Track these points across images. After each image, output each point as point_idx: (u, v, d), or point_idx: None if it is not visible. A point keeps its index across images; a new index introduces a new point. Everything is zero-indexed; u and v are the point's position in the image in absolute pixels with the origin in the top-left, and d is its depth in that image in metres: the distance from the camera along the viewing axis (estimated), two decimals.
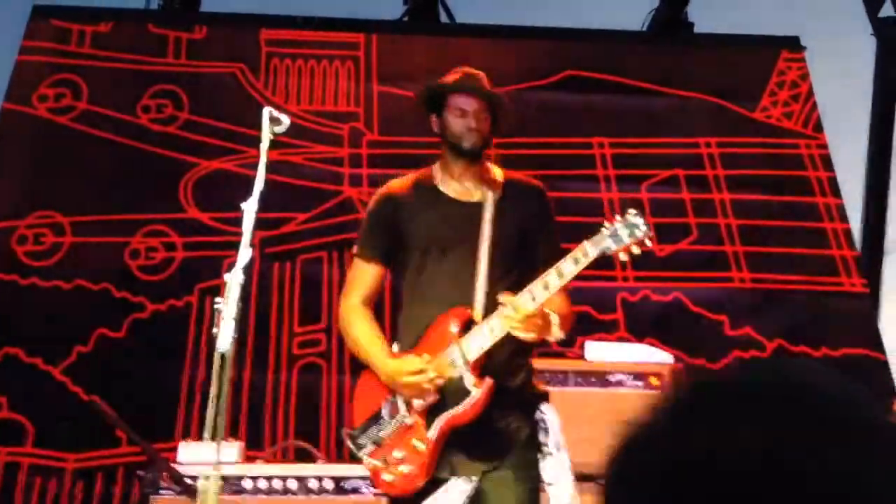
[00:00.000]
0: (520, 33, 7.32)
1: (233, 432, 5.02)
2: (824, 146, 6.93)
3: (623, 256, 2.38)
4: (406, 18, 7.45)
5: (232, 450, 4.05)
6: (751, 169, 6.75)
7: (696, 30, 7.61)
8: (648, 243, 2.35)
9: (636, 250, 2.37)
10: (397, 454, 2.63)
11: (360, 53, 7.02)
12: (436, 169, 2.90)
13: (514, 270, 2.68)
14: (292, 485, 3.87)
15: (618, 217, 2.38)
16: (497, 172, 2.88)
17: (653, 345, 5.29)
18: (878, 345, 6.11)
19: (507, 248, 2.73)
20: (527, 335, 2.48)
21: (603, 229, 2.40)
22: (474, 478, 2.60)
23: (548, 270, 2.46)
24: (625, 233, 2.37)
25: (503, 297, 2.49)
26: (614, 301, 6.14)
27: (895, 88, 7.30)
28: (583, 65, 7.09)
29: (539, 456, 2.67)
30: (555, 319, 2.49)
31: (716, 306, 6.17)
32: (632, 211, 2.40)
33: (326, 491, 3.87)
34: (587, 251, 2.41)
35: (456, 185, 2.83)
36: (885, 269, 7.12)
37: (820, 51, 7.40)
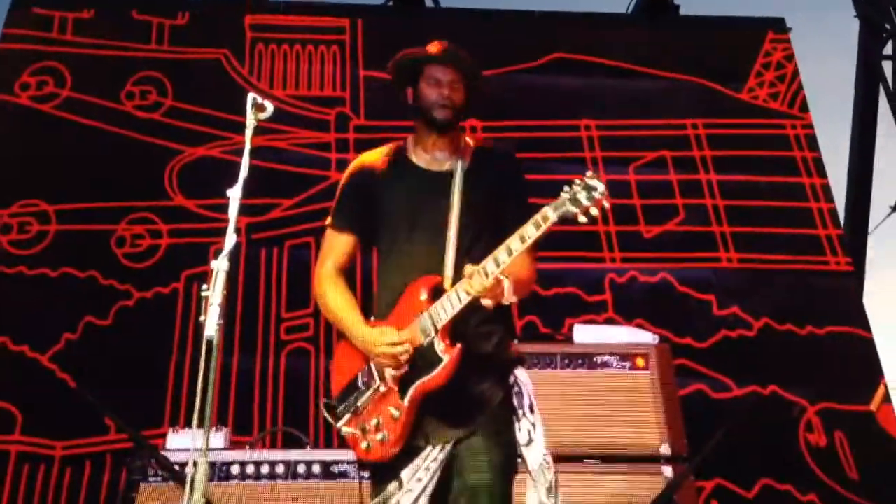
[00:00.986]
0: (506, 17, 7.31)
1: (221, 419, 5.04)
2: (810, 126, 6.97)
3: (582, 218, 2.39)
4: (391, 3, 7.43)
5: (220, 436, 4.07)
6: (737, 150, 6.78)
7: (682, 12, 7.62)
8: (606, 204, 2.38)
9: (594, 212, 2.39)
10: (373, 422, 2.65)
11: (345, 38, 7.00)
12: (409, 140, 2.94)
13: (486, 236, 2.68)
14: (280, 470, 3.89)
15: (576, 180, 2.40)
16: (468, 141, 2.89)
17: (641, 325, 5.33)
18: (863, 322, 6.16)
19: (477, 215, 2.74)
20: (486, 301, 2.50)
21: (563, 193, 2.42)
22: (448, 445, 2.61)
23: (511, 236, 2.47)
24: (583, 195, 2.39)
25: (467, 269, 2.51)
26: (602, 282, 6.16)
27: (878, 69, 7.33)
28: (569, 48, 7.09)
29: (514, 419, 2.69)
30: (506, 285, 2.50)
31: (703, 286, 6.20)
32: (589, 173, 2.41)
33: (315, 476, 3.89)
34: (548, 215, 2.43)
35: (427, 156, 2.86)
36: (869, 248, 7.18)
37: (805, 32, 7.43)
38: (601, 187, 2.38)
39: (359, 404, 2.70)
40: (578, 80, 6.98)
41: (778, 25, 7.49)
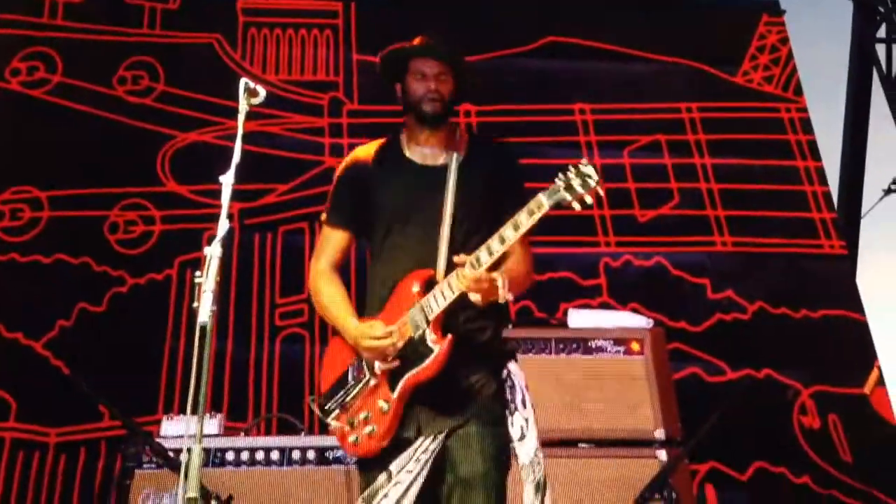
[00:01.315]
0: (500, 0, 7.26)
1: (216, 405, 5.04)
2: (804, 109, 6.97)
3: (577, 206, 2.39)
4: None
5: (214, 422, 4.06)
6: (732, 133, 6.77)
7: None
8: (600, 192, 2.37)
9: (588, 200, 2.39)
10: (362, 415, 2.64)
11: (339, 22, 6.96)
12: (402, 135, 2.91)
13: (483, 230, 2.64)
14: (275, 456, 3.89)
15: (571, 168, 2.39)
16: (463, 132, 2.88)
17: (635, 309, 5.34)
18: (857, 305, 6.17)
19: (473, 209, 2.72)
20: (474, 297, 2.49)
21: (557, 180, 2.41)
22: (440, 436, 2.59)
23: (504, 224, 2.46)
24: (577, 183, 2.39)
25: (457, 259, 2.49)
26: (597, 266, 6.16)
27: (872, 53, 7.32)
28: (564, 31, 7.06)
29: (507, 413, 2.68)
30: (500, 283, 2.48)
31: (697, 270, 6.21)
32: (584, 161, 2.41)
33: (310, 462, 3.88)
34: (541, 203, 2.42)
35: (421, 151, 2.84)
36: (862, 231, 7.19)
37: (799, 15, 7.41)
38: (596, 175, 2.38)
39: (348, 399, 2.68)
40: (573, 64, 6.96)
41: (772, 8, 7.48)
